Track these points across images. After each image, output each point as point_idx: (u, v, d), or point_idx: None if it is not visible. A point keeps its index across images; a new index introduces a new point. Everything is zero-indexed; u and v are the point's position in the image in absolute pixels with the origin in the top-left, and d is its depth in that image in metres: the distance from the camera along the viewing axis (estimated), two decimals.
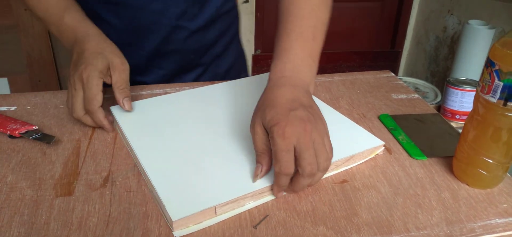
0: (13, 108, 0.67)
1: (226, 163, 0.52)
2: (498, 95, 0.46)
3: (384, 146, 0.59)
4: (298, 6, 0.58)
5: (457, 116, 1.37)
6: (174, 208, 0.44)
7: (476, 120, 0.49)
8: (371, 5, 2.31)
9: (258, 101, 0.52)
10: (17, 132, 0.58)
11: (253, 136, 0.49)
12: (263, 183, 0.48)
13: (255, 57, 2.29)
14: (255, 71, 2.29)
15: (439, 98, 1.73)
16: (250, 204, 0.47)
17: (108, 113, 0.62)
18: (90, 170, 0.53)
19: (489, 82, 0.46)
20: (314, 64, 0.57)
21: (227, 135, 0.58)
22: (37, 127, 0.60)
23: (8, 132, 0.58)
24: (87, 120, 0.60)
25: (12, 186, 0.50)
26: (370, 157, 0.57)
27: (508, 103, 0.45)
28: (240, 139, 0.57)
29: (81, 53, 0.61)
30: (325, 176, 0.52)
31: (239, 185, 0.48)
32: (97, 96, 0.58)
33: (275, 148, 0.45)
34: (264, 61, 2.31)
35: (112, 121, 0.62)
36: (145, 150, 0.54)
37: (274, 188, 0.48)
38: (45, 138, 0.57)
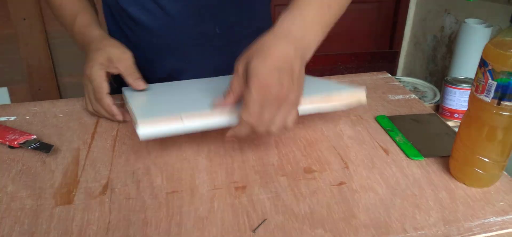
0: (13, 118, 0.68)
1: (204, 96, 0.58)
2: (492, 94, 0.46)
3: (381, 146, 0.59)
4: None
5: (456, 115, 1.37)
6: (142, 113, 0.53)
7: (471, 119, 0.50)
8: (368, 6, 2.32)
9: (256, 42, 0.50)
10: (16, 142, 0.58)
11: (234, 73, 0.50)
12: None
13: None
14: None
15: (438, 98, 1.73)
16: (215, 120, 0.52)
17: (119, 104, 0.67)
18: (89, 178, 0.53)
19: (483, 82, 0.47)
20: (321, 33, 0.55)
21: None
22: (35, 136, 0.60)
23: (7, 143, 0.59)
24: (100, 109, 0.65)
25: (13, 196, 0.50)
26: (352, 103, 0.60)
27: (502, 102, 0.46)
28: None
29: (86, 55, 0.67)
30: (303, 111, 0.55)
31: (207, 104, 0.54)
32: (102, 84, 0.63)
33: (248, 96, 0.46)
34: None
35: (122, 110, 0.66)
36: (138, 96, 0.63)
37: (231, 131, 0.51)
38: (44, 147, 0.58)
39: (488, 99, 0.46)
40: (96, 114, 0.67)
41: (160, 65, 0.78)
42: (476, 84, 0.48)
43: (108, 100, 0.64)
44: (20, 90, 1.88)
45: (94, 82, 0.63)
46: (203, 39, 0.76)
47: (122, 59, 0.65)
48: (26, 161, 0.57)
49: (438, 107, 1.47)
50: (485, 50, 0.47)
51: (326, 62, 2.37)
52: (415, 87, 1.88)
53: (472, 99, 0.49)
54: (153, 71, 0.78)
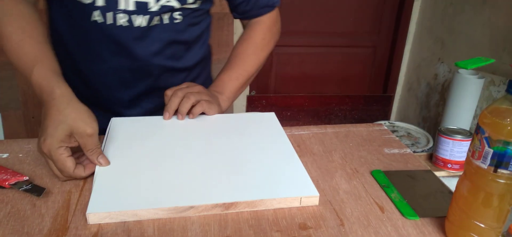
0: (5, 155, 0.67)
1: (177, 176, 0.61)
2: (488, 161, 0.46)
3: (377, 203, 0.59)
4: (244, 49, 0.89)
5: (449, 165, 1.38)
6: (97, 199, 0.54)
7: (467, 183, 0.50)
8: (364, 51, 2.36)
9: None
10: (7, 183, 0.57)
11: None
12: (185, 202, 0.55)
13: (249, 98, 2.31)
14: (249, 111, 2.30)
15: (431, 144, 1.75)
16: (170, 214, 0.54)
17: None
18: (79, 225, 0.52)
19: (479, 148, 0.47)
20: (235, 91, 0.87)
21: (192, 157, 0.66)
22: (27, 178, 0.59)
23: None
24: (76, 174, 0.60)
25: None
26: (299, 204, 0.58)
27: (499, 170, 0.46)
28: (204, 162, 0.64)
29: (44, 120, 0.61)
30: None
31: (166, 197, 0.56)
32: (66, 164, 0.58)
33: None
34: (259, 101, 2.34)
35: (98, 161, 0.62)
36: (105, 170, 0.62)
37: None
38: (35, 190, 0.57)
39: (485, 166, 0.47)
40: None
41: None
42: (473, 150, 0.48)
43: (80, 173, 0.60)
44: (13, 117, 1.86)
45: (57, 163, 0.58)
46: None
47: (85, 136, 0.59)
48: (16, 203, 0.55)
49: (431, 156, 1.48)
50: (481, 117, 0.47)
51: (321, 103, 2.39)
52: (408, 133, 1.89)
53: (469, 164, 0.49)
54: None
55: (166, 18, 0.77)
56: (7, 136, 1.88)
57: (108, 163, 0.62)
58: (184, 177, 0.60)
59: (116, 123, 0.75)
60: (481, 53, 1.72)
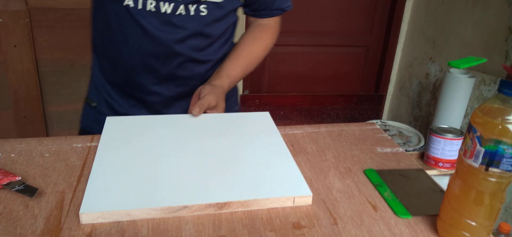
0: None
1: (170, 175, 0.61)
2: (480, 160, 0.47)
3: (370, 202, 0.60)
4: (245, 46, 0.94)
5: (440, 164, 1.39)
6: (90, 198, 0.54)
7: (459, 182, 0.50)
8: (356, 50, 2.37)
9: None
10: None
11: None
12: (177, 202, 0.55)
13: (243, 97, 2.31)
14: (243, 110, 2.30)
15: (422, 143, 1.76)
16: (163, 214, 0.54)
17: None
18: (72, 225, 0.52)
19: (471, 147, 0.48)
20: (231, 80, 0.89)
21: (186, 157, 0.66)
22: (20, 178, 0.59)
23: None
24: None
25: None
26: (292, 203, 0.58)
27: (490, 169, 0.47)
28: (202, 163, 0.64)
29: None
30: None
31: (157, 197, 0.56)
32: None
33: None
34: (252, 101, 2.34)
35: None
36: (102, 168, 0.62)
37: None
38: (28, 191, 0.56)
39: (476, 165, 0.47)
40: None
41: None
42: (464, 149, 0.49)
43: None
44: (4, 117, 1.84)
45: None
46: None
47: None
48: (8, 204, 0.55)
49: (423, 155, 1.49)
50: (473, 116, 0.48)
51: (314, 102, 2.39)
52: (400, 132, 1.91)
53: (460, 163, 0.50)
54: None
55: (192, 9, 0.82)
56: None
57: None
58: (178, 176, 0.60)
59: (111, 122, 0.75)
60: (472, 52, 1.74)
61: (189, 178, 0.60)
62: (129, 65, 0.87)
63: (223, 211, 0.55)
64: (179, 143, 0.70)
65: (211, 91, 0.81)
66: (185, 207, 0.54)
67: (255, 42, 0.94)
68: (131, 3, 0.80)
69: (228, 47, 0.94)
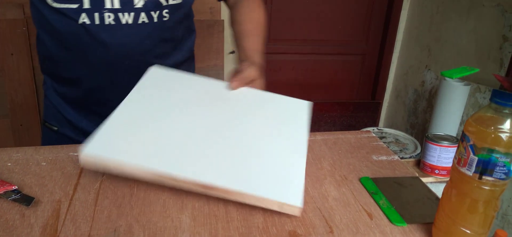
0: None
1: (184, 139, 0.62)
2: (473, 169, 0.48)
3: (366, 210, 0.60)
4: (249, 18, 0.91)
5: (436, 171, 1.40)
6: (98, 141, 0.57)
7: (453, 190, 0.51)
8: (353, 58, 2.39)
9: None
10: None
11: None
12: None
13: None
14: None
15: (418, 150, 1.77)
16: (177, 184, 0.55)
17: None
18: (69, 234, 0.52)
19: (464, 156, 0.48)
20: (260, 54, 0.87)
21: (202, 128, 0.65)
22: (16, 187, 0.59)
23: None
24: None
25: None
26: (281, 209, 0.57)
27: (483, 177, 0.47)
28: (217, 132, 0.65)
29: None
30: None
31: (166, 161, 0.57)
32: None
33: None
34: None
35: None
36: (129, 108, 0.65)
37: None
38: (24, 200, 0.56)
39: (470, 173, 0.48)
40: None
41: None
42: (458, 157, 0.50)
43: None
44: (1, 125, 1.84)
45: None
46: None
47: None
48: (4, 213, 0.55)
49: (419, 162, 1.50)
50: (466, 125, 0.49)
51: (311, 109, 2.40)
52: (396, 139, 1.91)
53: (454, 171, 0.50)
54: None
55: (155, 16, 0.79)
56: None
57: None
58: (181, 145, 0.61)
59: (153, 72, 0.76)
60: (467, 61, 1.76)
61: (192, 149, 0.60)
62: (93, 84, 0.82)
63: (208, 192, 0.56)
64: (202, 111, 0.69)
65: (251, 65, 0.80)
66: (172, 178, 0.55)
67: (253, 12, 0.92)
68: (86, 20, 0.74)
69: (190, 45, 0.93)
